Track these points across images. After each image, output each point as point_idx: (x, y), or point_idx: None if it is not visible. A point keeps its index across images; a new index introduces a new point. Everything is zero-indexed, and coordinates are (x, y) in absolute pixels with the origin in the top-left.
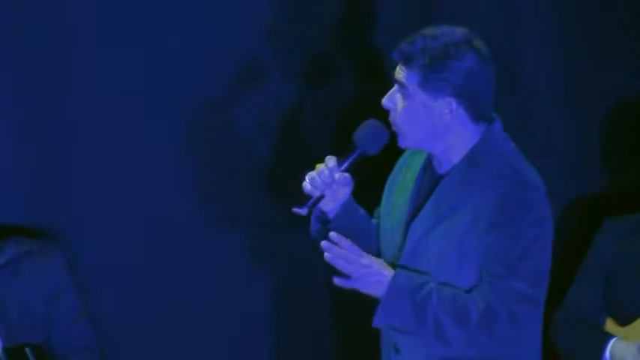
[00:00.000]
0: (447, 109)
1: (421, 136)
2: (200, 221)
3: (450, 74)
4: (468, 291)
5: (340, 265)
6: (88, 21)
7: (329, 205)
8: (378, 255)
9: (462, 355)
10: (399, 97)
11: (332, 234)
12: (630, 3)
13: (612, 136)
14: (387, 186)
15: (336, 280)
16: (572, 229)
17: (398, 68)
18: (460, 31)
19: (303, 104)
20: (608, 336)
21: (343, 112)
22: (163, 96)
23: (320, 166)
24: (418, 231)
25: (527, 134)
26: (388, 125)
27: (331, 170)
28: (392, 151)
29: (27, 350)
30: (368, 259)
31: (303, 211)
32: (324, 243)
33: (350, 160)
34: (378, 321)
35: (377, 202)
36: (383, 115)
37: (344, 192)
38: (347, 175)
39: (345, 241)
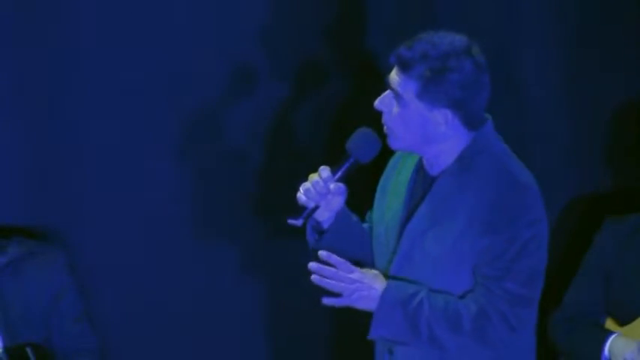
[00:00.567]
0: (443, 119)
1: (413, 141)
2: (200, 223)
3: (449, 87)
4: (463, 296)
5: (329, 285)
6: (86, 24)
7: (324, 215)
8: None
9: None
10: (392, 101)
11: (321, 252)
12: (631, 3)
13: (612, 136)
14: (378, 189)
15: (326, 301)
16: (572, 229)
17: (394, 72)
18: (460, 39)
19: (298, 108)
20: (608, 332)
21: (337, 115)
22: (159, 100)
23: (314, 177)
24: (412, 234)
25: (527, 134)
26: (380, 133)
27: (326, 181)
28: (382, 154)
29: (28, 350)
30: (358, 274)
31: (298, 223)
32: (311, 264)
33: (343, 169)
34: (373, 334)
35: (368, 206)
36: (377, 118)
37: (338, 201)
38: (341, 184)
39: (334, 258)
